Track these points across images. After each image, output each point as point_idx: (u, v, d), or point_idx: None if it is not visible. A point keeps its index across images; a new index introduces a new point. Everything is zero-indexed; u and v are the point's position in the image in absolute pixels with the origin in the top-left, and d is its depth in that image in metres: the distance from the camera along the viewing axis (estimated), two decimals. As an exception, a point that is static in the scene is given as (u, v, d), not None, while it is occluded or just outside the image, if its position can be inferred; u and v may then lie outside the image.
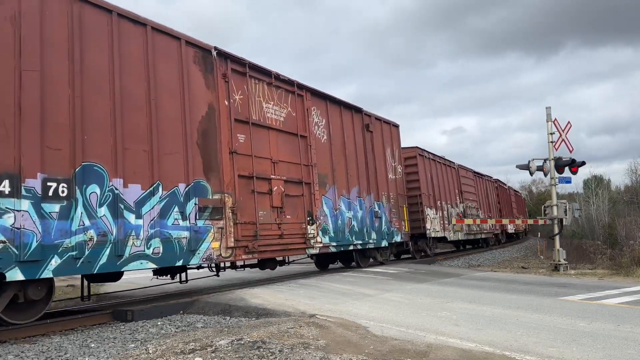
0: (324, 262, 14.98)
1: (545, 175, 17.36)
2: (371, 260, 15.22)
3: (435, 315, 7.51)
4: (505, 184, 37.78)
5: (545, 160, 16.97)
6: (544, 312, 7.87)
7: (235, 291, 9.31)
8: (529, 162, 17.38)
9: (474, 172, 27.56)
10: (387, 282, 11.61)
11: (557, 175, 16.95)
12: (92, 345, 6.08)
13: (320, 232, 11.79)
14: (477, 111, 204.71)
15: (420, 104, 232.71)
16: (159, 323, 7.33)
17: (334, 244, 12.40)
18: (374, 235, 14.33)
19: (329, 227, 12.17)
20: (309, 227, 11.42)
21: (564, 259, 16.40)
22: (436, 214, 19.76)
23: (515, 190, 46.07)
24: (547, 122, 16.83)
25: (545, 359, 5.14)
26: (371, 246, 14.26)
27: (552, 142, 16.75)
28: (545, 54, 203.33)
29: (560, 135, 16.73)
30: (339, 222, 12.70)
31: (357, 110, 14.57)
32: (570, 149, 16.87)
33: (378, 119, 15.75)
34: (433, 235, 19.18)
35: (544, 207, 17.79)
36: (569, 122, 16.96)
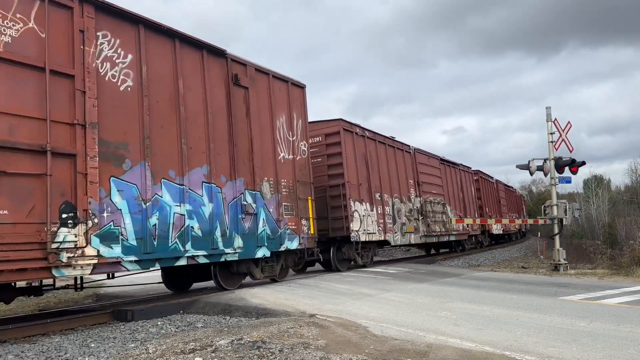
0: (183, 281, 10.94)
1: (545, 175, 17.38)
2: (248, 278, 10.58)
3: (435, 315, 7.51)
4: (491, 177, 32.64)
5: (545, 160, 16.98)
6: (544, 312, 7.87)
7: (235, 291, 9.33)
8: (529, 162, 17.40)
9: (441, 159, 22.23)
10: (387, 281, 11.62)
11: (557, 175, 16.96)
12: (92, 345, 6.08)
13: (96, 239, 7.06)
14: (478, 111, 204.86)
15: (420, 104, 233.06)
16: (159, 323, 7.34)
17: (134, 258, 7.57)
18: (239, 242, 9.52)
19: (123, 229, 7.46)
20: (63, 230, 6.74)
21: (564, 259, 16.41)
22: (372, 211, 15.00)
23: (506, 185, 40.00)
24: (547, 122, 16.84)
25: (545, 359, 5.14)
26: (232, 257, 9.43)
27: (552, 142, 16.76)
28: (546, 54, 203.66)
29: (560, 135, 16.74)
30: (154, 220, 7.95)
31: (215, 52, 9.74)
32: (570, 148, 16.89)
33: (262, 71, 10.93)
34: (364, 238, 14.27)
35: (544, 206, 17.79)
36: (569, 122, 16.99)
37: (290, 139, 11.61)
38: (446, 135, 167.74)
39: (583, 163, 17.27)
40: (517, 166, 18.10)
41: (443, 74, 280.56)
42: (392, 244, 16.69)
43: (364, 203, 14.69)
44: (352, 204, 13.96)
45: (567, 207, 17.06)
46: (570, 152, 16.99)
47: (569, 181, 17.78)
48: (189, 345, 5.42)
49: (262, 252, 10.16)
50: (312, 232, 11.82)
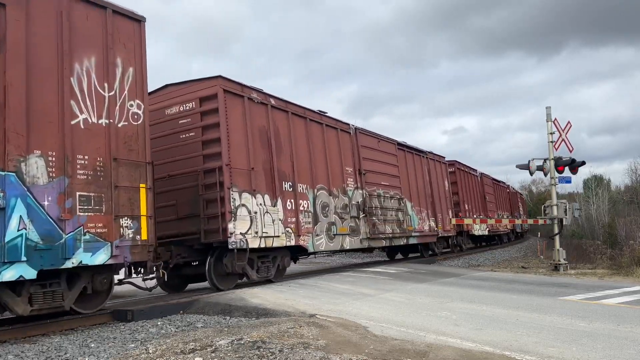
0: None
1: (545, 175, 17.40)
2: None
3: (435, 315, 7.52)
4: (474, 170, 27.88)
5: (545, 160, 17.00)
6: (543, 312, 7.87)
7: (235, 291, 9.32)
8: (529, 162, 17.41)
9: (399, 143, 17.76)
10: (387, 282, 11.63)
11: (557, 175, 16.97)
12: (92, 345, 6.08)
13: None
14: (478, 111, 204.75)
15: (421, 104, 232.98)
16: (159, 323, 7.34)
17: None
18: None
19: None
20: None
21: (564, 259, 16.42)
22: (274, 206, 11.02)
23: (495, 180, 34.04)
24: (547, 122, 16.85)
25: (545, 359, 5.14)
26: None
27: (552, 142, 16.76)
28: (547, 54, 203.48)
29: (560, 135, 16.75)
30: None
31: None
32: (570, 148, 16.91)
33: None
34: (256, 244, 10.26)
35: (544, 206, 17.82)
36: (568, 122, 17.01)
37: (105, 95, 7.66)
38: (447, 135, 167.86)
39: (583, 163, 17.29)
40: (517, 166, 18.13)
41: (444, 73, 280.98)
42: (312, 250, 12.15)
43: (258, 195, 10.64)
44: (234, 196, 9.98)
45: (567, 207, 17.08)
46: (570, 152, 17.03)
47: (568, 181, 17.80)
48: (189, 345, 5.42)
49: (15, 273, 6.19)
50: (144, 237, 7.92)
